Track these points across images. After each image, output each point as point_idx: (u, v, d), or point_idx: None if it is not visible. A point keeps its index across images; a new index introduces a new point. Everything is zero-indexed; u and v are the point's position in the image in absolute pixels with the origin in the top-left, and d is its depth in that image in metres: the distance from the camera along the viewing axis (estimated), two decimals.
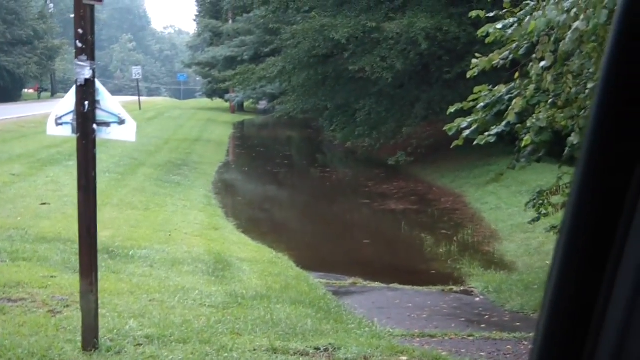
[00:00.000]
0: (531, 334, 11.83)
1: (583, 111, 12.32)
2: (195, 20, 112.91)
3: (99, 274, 8.52)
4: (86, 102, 8.13)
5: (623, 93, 1.18)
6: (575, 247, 1.27)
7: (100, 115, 8.26)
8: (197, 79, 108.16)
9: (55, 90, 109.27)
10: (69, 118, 8.29)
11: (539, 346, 1.36)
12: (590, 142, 1.20)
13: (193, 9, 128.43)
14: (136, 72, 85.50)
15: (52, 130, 8.58)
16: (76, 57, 8.17)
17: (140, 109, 68.06)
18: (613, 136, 1.17)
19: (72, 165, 18.63)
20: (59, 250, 14.51)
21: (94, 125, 8.22)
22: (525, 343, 11.22)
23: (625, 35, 1.18)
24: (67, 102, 8.39)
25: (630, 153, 1.14)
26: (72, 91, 8.26)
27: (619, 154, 1.15)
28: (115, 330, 8.81)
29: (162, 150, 39.89)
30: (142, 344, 8.40)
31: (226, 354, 8.07)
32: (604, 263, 1.21)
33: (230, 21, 73.90)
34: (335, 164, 44.06)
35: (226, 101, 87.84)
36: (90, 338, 8.14)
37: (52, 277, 12.22)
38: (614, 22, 1.21)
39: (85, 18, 8.11)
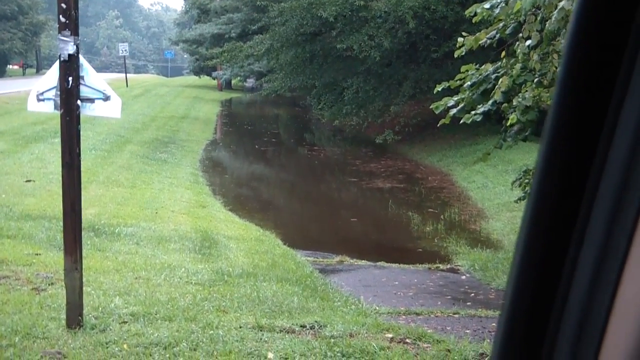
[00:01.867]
0: None
1: None
2: None
3: (84, 251, 8.52)
4: (70, 78, 8.10)
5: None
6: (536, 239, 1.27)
7: (84, 91, 8.23)
8: (185, 56, 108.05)
9: (41, 66, 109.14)
10: (51, 94, 8.27)
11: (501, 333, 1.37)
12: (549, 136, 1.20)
13: None
14: (123, 49, 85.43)
15: (33, 106, 8.56)
16: (59, 32, 8.13)
17: (127, 86, 67.99)
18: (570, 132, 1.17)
19: (58, 142, 18.63)
20: (43, 227, 14.52)
21: (78, 102, 8.20)
22: None
23: None
24: (50, 77, 8.37)
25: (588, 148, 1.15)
26: (55, 66, 8.22)
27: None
28: (100, 308, 8.80)
29: (149, 128, 39.88)
30: (127, 322, 8.40)
31: (212, 332, 8.08)
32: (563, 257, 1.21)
33: None
34: (322, 143, 44.10)
35: (213, 79, 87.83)
36: (74, 316, 8.13)
37: (36, 254, 12.24)
38: None
39: None
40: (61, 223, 9.12)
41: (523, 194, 15.72)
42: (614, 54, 1.12)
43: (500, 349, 1.37)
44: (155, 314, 8.77)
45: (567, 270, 1.21)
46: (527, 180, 15.64)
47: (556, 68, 12.21)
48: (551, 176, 1.24)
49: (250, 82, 78.65)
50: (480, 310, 12.22)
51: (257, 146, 42.19)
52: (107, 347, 7.50)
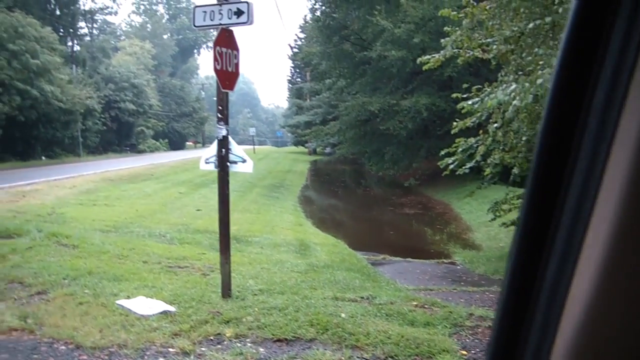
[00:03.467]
0: (492, 288, 11.77)
1: (520, 154, 12.35)
2: (287, 99, 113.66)
3: (231, 252, 8.58)
4: (223, 149, 8.21)
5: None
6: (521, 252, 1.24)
7: (231, 157, 8.34)
8: (288, 134, 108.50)
9: (205, 142, 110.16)
10: (213, 159, 8.38)
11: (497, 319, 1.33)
12: (533, 174, 1.18)
13: (286, 93, 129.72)
14: (252, 131, 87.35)
15: (203, 166, 8.69)
16: (217, 122, 8.27)
17: (254, 152, 68.51)
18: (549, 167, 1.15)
19: (215, 187, 18.81)
20: (207, 238, 14.68)
21: (228, 163, 8.31)
22: (487, 293, 11.12)
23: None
24: (212, 149, 8.48)
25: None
26: (215, 143, 8.35)
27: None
28: (240, 286, 8.85)
29: (267, 177, 40.08)
30: (257, 294, 8.43)
31: (307, 301, 8.07)
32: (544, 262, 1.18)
33: (308, 100, 74.16)
34: (371, 186, 44.03)
35: (306, 148, 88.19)
36: (226, 290, 8.20)
37: (203, 254, 12.37)
38: None
39: (223, 100, 8.20)
40: (217, 235, 9.18)
41: (494, 216, 15.70)
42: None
43: (492, 347, 1.34)
44: (273, 290, 8.79)
45: (540, 275, 1.18)
46: (496, 208, 15.56)
47: (512, 140, 12.29)
48: (532, 205, 1.22)
49: (327, 149, 78.64)
50: (469, 287, 12.13)
51: (331, 188, 42.21)
52: (246, 309, 7.52)
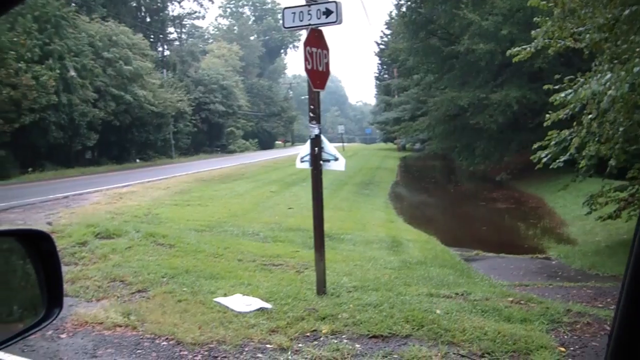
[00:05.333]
0: (589, 284, 11.50)
1: (617, 145, 12.04)
2: (374, 96, 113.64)
3: (325, 249, 8.65)
4: (316, 148, 8.30)
5: None
6: None
7: (324, 155, 8.42)
8: (377, 131, 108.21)
9: (294, 141, 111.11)
10: (307, 157, 8.48)
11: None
12: None
13: (373, 89, 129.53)
14: (341, 129, 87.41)
15: (298, 165, 8.81)
16: (310, 121, 8.36)
17: (344, 150, 68.58)
18: None
19: (306, 185, 18.87)
20: (300, 236, 14.78)
21: (321, 162, 8.39)
22: (585, 289, 10.90)
23: None
24: (306, 148, 8.57)
25: None
26: (308, 142, 8.45)
27: None
28: (335, 283, 8.90)
29: (357, 175, 40.08)
30: (351, 291, 8.47)
31: (402, 297, 8.08)
32: None
33: (396, 96, 73.68)
34: (462, 181, 43.48)
35: (394, 144, 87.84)
36: (321, 287, 8.28)
37: (297, 251, 12.47)
38: None
39: (314, 99, 8.27)
40: (311, 233, 9.29)
41: (589, 210, 15.34)
42: None
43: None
44: (367, 287, 8.81)
45: None
46: (591, 202, 15.21)
47: (608, 131, 11.98)
48: None
49: (417, 145, 78.08)
50: (565, 283, 11.95)
51: (422, 184, 41.99)
52: (341, 306, 7.58)
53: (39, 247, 2.02)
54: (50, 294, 2.01)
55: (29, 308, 2.08)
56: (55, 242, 2.06)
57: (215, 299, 8.00)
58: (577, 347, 6.44)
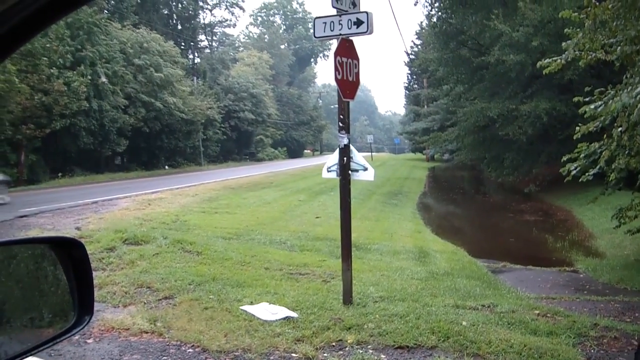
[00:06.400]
0: (617, 298, 11.39)
1: None
2: (404, 107, 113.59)
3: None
4: (345, 158, 8.33)
5: None
6: None
7: (353, 165, 8.45)
8: (406, 141, 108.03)
9: (322, 150, 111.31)
10: (335, 167, 8.51)
11: None
12: None
13: (402, 99, 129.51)
14: (370, 138, 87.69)
15: (325, 174, 8.86)
16: (339, 131, 8.40)
17: (372, 160, 68.58)
18: None
19: (333, 194, 18.89)
20: (327, 245, 14.75)
21: (349, 171, 8.41)
22: (613, 303, 10.80)
23: None
24: (334, 158, 8.62)
25: None
26: (337, 152, 8.49)
27: None
28: (361, 293, 8.90)
29: (386, 185, 40.02)
30: (377, 301, 8.47)
31: (428, 308, 8.07)
32: None
33: (425, 106, 73.65)
34: (490, 192, 43.28)
35: (423, 154, 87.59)
36: (347, 297, 8.29)
37: (324, 261, 12.46)
38: None
39: (344, 109, 8.30)
40: (338, 242, 9.35)
41: (618, 223, 15.15)
42: None
43: None
44: (394, 297, 8.80)
45: None
46: (621, 215, 15.06)
47: (639, 144, 11.87)
48: None
49: (445, 156, 77.88)
50: (592, 296, 11.81)
51: (450, 195, 41.74)
52: (367, 316, 7.59)
53: (71, 254, 2.06)
54: (81, 301, 2.05)
55: (59, 314, 2.11)
56: (86, 250, 2.10)
57: (241, 307, 8.04)
58: None
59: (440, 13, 40.42)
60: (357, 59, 8.38)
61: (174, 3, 72.81)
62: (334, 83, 8.46)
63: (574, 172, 13.49)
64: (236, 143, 72.09)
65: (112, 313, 7.91)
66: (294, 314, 7.71)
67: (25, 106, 31.78)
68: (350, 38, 8.29)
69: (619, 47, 11.31)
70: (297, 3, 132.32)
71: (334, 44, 8.43)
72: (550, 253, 19.30)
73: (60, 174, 36.75)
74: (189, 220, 17.78)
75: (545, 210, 30.34)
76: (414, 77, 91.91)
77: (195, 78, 65.66)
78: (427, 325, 7.14)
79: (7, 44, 1.36)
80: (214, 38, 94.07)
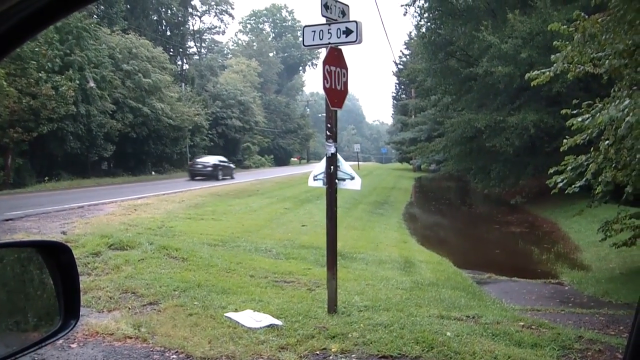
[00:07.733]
0: (601, 310, 11.45)
1: (634, 172, 12.02)
2: (392, 116, 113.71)
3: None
4: (332, 167, 8.35)
5: None
6: None
7: (339, 174, 8.48)
8: (393, 151, 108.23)
9: (309, 159, 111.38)
10: (321, 176, 8.53)
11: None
12: None
13: (390, 109, 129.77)
14: (357, 147, 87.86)
15: (311, 183, 8.88)
16: (326, 140, 8.42)
17: (358, 169, 68.63)
18: None
19: (320, 203, 18.91)
20: (312, 253, 14.77)
21: (336, 180, 8.43)
22: (597, 316, 10.86)
23: None
24: (320, 166, 8.65)
25: None
26: (323, 160, 8.51)
27: None
28: (346, 302, 8.92)
29: (372, 194, 40.06)
30: (362, 310, 8.48)
31: (413, 318, 8.09)
32: None
33: (413, 116, 73.83)
34: (477, 203, 43.45)
35: (410, 164, 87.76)
36: (332, 305, 8.30)
37: (309, 269, 12.50)
38: None
39: (331, 117, 8.32)
40: (324, 251, 9.33)
41: (604, 236, 15.23)
42: None
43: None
44: (379, 306, 8.83)
45: None
46: (607, 228, 15.13)
47: (626, 157, 11.98)
48: None
49: (432, 166, 77.98)
50: (577, 309, 11.90)
51: (436, 205, 41.89)
52: (351, 325, 7.60)
53: (58, 259, 2.06)
54: (67, 305, 2.05)
55: (45, 318, 2.11)
56: (73, 254, 2.10)
57: (225, 314, 8.03)
58: None
59: (429, 23, 40.61)
60: (346, 68, 8.41)
61: (164, 9, 72.76)
62: (322, 91, 8.49)
63: (561, 184, 13.56)
64: (223, 150, 71.87)
65: (96, 318, 7.88)
66: (278, 322, 7.71)
67: (13, 110, 31.66)
68: (339, 47, 8.32)
69: (608, 61, 11.40)
70: (287, 11, 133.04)
71: (323, 52, 8.46)
72: (536, 265, 19.39)
73: (46, 178, 36.56)
74: (175, 227, 17.75)
75: (531, 222, 30.45)
76: (402, 87, 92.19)
77: (183, 84, 65.60)
78: (411, 335, 7.15)
79: (7, 44, 1.36)
80: (203, 45, 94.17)
